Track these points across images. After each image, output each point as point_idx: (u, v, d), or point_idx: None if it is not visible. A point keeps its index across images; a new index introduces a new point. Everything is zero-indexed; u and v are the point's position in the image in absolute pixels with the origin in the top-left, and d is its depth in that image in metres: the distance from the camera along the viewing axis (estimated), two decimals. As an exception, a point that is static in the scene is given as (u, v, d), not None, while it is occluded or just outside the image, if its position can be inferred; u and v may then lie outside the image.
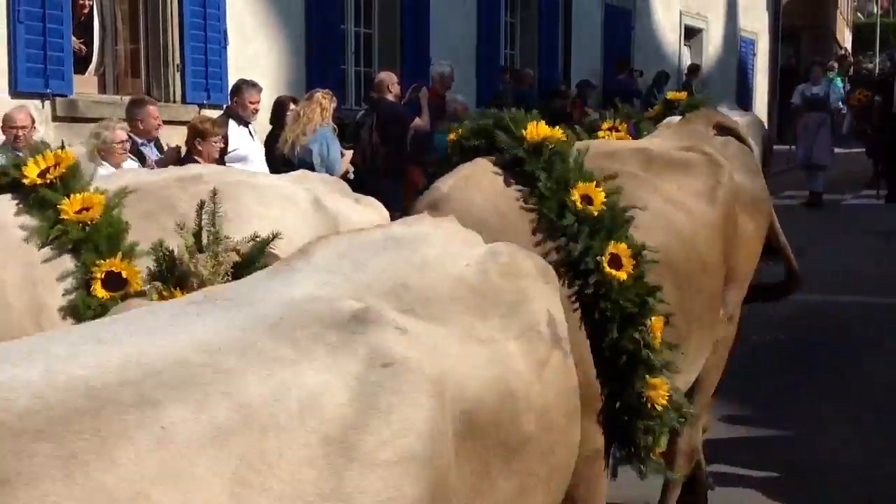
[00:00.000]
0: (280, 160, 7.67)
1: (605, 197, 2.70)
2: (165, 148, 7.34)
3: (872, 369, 6.11)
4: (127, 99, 7.63)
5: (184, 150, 6.97)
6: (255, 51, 9.43)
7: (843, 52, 31.89)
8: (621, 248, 2.62)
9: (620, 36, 15.86)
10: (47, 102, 7.57)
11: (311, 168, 7.82)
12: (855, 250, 10.06)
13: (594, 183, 2.71)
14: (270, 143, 7.99)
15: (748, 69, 21.91)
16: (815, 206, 13.83)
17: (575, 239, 2.61)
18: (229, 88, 8.27)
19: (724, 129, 3.98)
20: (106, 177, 2.95)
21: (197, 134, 6.77)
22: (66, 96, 7.69)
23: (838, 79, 20.81)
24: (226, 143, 7.24)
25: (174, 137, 7.45)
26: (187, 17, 8.68)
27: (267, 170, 7.34)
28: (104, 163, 5.82)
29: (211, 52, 8.93)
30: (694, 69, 17.16)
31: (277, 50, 9.76)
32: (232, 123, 7.59)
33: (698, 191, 3.27)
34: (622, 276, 2.57)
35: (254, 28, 9.47)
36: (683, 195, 3.19)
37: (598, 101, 14.10)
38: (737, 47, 21.17)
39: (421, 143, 9.21)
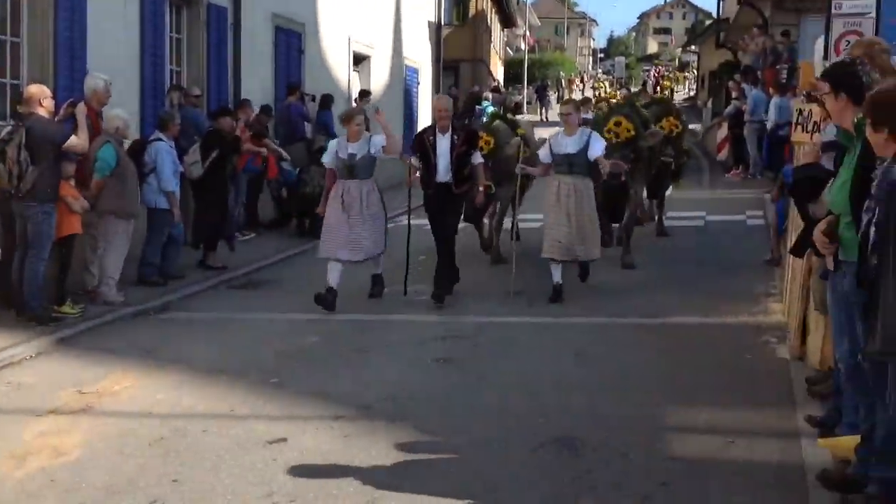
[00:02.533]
0: None
1: None
2: None
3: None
4: None
5: None
6: None
7: (496, 83, 34.17)
8: None
9: (291, 58, 15.72)
10: None
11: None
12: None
13: None
14: None
15: (413, 95, 22.76)
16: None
17: None
18: None
19: None
20: None
21: None
22: None
23: (490, 106, 22.28)
24: None
25: None
26: None
27: None
28: None
29: None
30: (364, 94, 17.48)
31: None
32: None
33: None
34: None
35: None
36: None
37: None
38: (402, 75, 21.89)
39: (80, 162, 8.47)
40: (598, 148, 8.84)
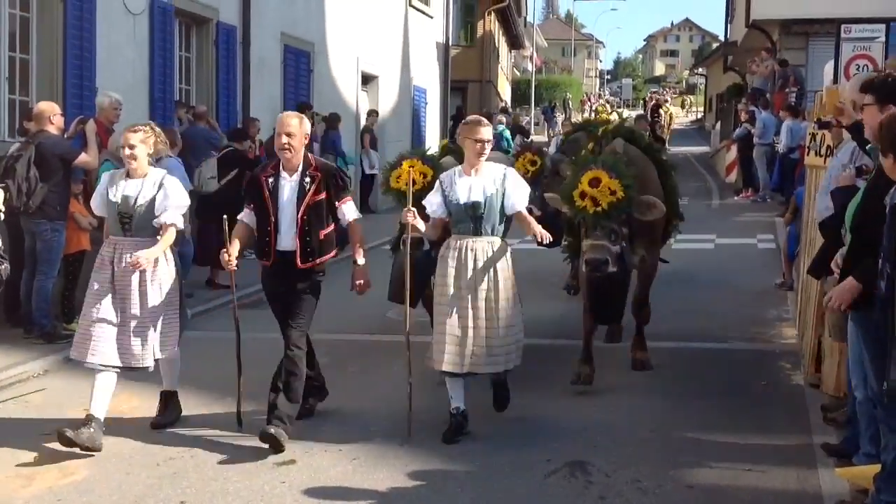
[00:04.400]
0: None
1: None
2: None
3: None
4: None
5: None
6: None
7: (504, 104, 34.23)
8: None
9: (300, 77, 15.75)
10: None
11: (-46, 206, 6.87)
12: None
13: None
14: None
15: (421, 115, 22.79)
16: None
17: None
18: None
19: None
20: None
21: None
22: None
23: (506, 130, 22.28)
24: None
25: None
26: None
27: None
28: None
29: None
30: (372, 113, 17.51)
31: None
32: None
33: None
34: None
35: None
36: None
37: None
38: (410, 95, 21.92)
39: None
40: (519, 196, 5.76)
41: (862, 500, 4.51)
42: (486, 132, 5.74)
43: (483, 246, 5.70)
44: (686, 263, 12.17)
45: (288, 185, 5.68)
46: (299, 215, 5.64)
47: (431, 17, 23.84)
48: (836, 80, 11.55)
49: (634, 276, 7.26)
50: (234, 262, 5.74)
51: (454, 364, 5.64)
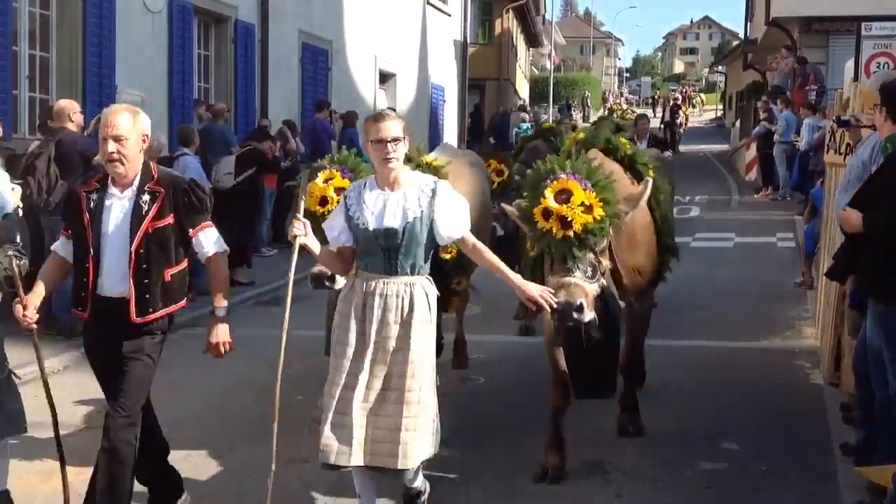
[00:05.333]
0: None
1: None
2: None
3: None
4: None
5: None
6: None
7: (522, 102, 34.18)
8: None
9: (318, 75, 15.78)
10: None
11: (-26, 204, 6.91)
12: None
13: None
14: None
15: (439, 113, 22.79)
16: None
17: None
18: None
19: None
20: None
21: None
22: None
23: (530, 130, 22.24)
24: None
25: None
26: None
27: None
28: None
29: None
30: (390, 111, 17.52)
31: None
32: None
33: None
34: None
35: None
36: None
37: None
38: (428, 93, 21.93)
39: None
40: (455, 219, 4.16)
41: (880, 498, 4.47)
42: (391, 128, 3.97)
43: (398, 290, 4.05)
44: (705, 262, 12.12)
45: (117, 206, 4.08)
46: (133, 248, 4.03)
47: (449, 16, 23.85)
48: (856, 77, 11.47)
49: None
50: (32, 317, 4.20)
51: (345, 454, 4.00)
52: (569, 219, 4.43)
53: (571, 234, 4.43)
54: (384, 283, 4.06)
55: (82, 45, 10.09)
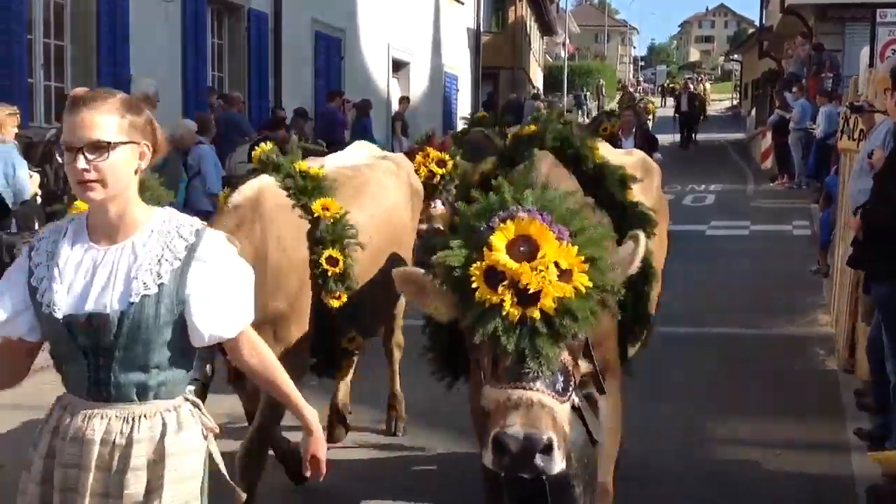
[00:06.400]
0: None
1: None
2: None
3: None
4: None
5: None
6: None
7: (535, 90, 34.08)
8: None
9: (331, 64, 15.79)
10: None
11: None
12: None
13: None
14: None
15: (452, 102, 22.77)
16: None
17: None
18: None
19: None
20: None
21: None
22: None
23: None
24: None
25: None
26: None
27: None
28: None
29: None
30: (404, 100, 17.53)
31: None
32: None
33: None
34: None
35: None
36: None
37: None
38: (441, 82, 21.91)
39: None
40: (227, 307, 2.36)
41: (893, 484, 4.46)
42: (91, 123, 2.22)
43: (112, 431, 2.28)
44: (720, 250, 12.09)
45: None
46: None
47: (462, 4, 23.81)
48: (871, 64, 11.38)
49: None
50: None
51: None
52: (532, 289, 2.57)
53: (537, 314, 2.57)
54: (85, 418, 2.28)
55: (97, 33, 10.13)
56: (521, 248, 2.60)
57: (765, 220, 14.15)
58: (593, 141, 3.81)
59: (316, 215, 4.00)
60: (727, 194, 17.35)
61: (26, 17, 9.47)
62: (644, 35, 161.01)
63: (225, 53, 13.23)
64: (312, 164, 4.25)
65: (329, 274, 3.96)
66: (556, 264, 2.59)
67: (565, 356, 2.67)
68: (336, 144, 14.65)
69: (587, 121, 35.97)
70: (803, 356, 7.21)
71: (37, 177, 7.58)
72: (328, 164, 4.44)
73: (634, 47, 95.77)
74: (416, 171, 5.36)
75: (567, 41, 46.76)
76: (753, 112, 28.61)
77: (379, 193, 4.54)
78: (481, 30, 26.42)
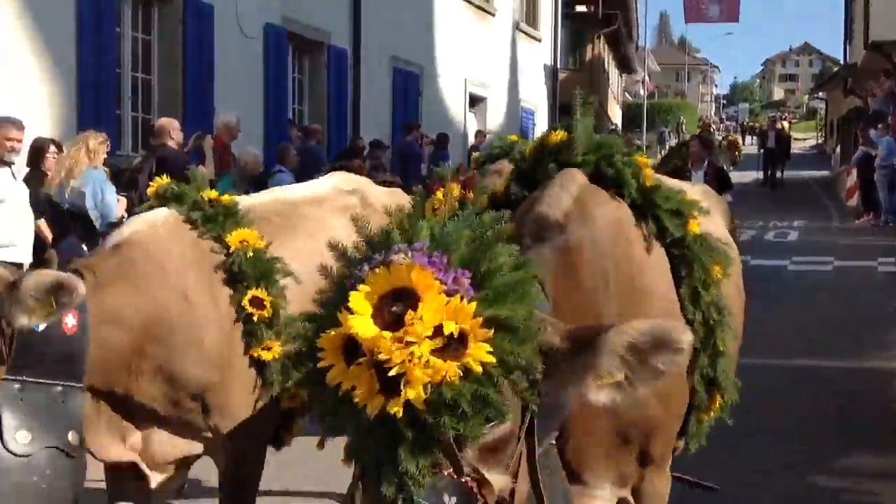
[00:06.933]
0: (45, 202, 7.16)
1: None
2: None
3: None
4: None
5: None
6: (24, 89, 8.68)
7: (613, 127, 33.95)
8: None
9: (409, 98, 16.01)
10: None
11: (84, 212, 7.27)
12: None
13: None
14: (29, 185, 7.36)
15: (529, 136, 22.81)
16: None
17: None
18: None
19: None
20: None
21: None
22: None
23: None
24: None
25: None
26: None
27: (31, 213, 6.74)
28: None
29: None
30: (480, 134, 17.66)
31: (47, 91, 9.04)
32: (-15, 161, 6.80)
33: None
34: None
35: (25, 65, 8.73)
36: None
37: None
38: (518, 116, 21.99)
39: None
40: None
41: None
42: None
43: None
44: (802, 285, 11.81)
45: None
46: None
47: (539, 41, 23.92)
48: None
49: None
50: None
51: None
52: (394, 371, 1.57)
53: (399, 410, 1.57)
54: None
55: (182, 68, 10.47)
56: (394, 309, 1.59)
57: (849, 256, 13.79)
58: (644, 158, 2.76)
59: (232, 249, 3.16)
60: (811, 230, 16.98)
61: (116, 52, 9.85)
62: (726, 74, 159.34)
63: (305, 88, 13.53)
64: (239, 196, 3.52)
65: (255, 318, 3.10)
66: (440, 329, 1.56)
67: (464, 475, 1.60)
68: (413, 178, 14.85)
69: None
70: (884, 392, 6.98)
71: (124, 200, 7.83)
72: (262, 196, 3.74)
73: (716, 86, 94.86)
74: (435, 209, 3.80)
75: (647, 79, 46.55)
76: (838, 149, 27.99)
77: (317, 232, 3.40)
78: (559, 67, 26.48)
